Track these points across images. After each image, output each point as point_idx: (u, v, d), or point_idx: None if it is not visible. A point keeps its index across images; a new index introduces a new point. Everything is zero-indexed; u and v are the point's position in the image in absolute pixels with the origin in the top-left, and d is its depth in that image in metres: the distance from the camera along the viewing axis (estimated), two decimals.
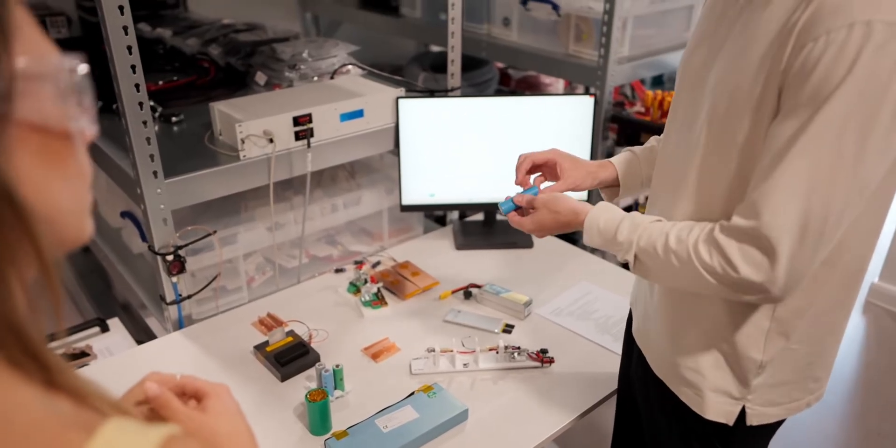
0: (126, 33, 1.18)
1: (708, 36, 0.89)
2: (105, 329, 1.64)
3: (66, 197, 0.39)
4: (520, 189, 1.14)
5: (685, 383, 0.97)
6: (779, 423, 0.98)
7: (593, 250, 2.25)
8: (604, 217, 0.94)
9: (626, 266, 0.93)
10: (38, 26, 0.38)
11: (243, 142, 1.42)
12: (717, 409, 0.94)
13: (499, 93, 2.89)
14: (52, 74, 0.37)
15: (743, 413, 0.94)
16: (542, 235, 1.07)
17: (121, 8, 1.16)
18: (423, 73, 2.65)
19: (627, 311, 1.48)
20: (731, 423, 0.94)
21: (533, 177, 1.16)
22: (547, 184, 1.15)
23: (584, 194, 1.59)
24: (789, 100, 0.74)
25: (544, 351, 1.33)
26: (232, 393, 0.64)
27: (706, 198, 0.87)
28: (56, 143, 0.38)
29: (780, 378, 0.92)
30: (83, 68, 0.38)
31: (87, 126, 0.39)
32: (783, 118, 0.75)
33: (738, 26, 0.82)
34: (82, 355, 1.50)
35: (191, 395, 0.63)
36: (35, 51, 0.37)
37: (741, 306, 0.89)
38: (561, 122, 1.66)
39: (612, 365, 1.29)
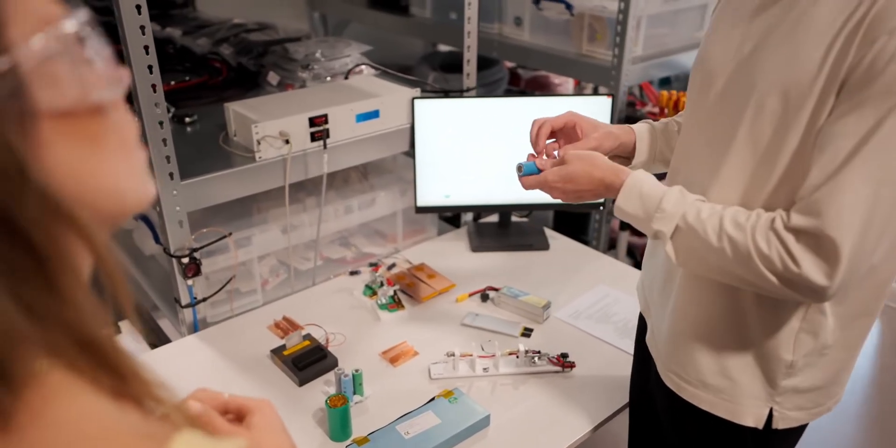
0: (143, 33, 1.17)
1: (739, 31, 0.86)
2: (117, 331, 1.63)
3: (114, 171, 0.36)
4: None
5: (707, 388, 0.95)
6: (804, 428, 0.96)
7: (608, 249, 2.24)
8: (648, 181, 0.89)
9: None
10: None
11: (259, 143, 1.40)
12: (748, 412, 0.93)
13: (508, 92, 2.87)
14: (63, 47, 0.33)
15: (770, 417, 0.92)
16: (563, 195, 0.96)
17: (138, 7, 1.15)
18: (432, 73, 2.63)
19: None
20: (760, 426, 0.93)
21: (548, 141, 1.08)
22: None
23: None
24: (855, 96, 0.72)
25: (565, 355, 1.32)
26: (275, 409, 0.63)
27: (742, 195, 0.85)
28: (88, 121, 0.34)
29: (811, 383, 0.91)
30: (88, 22, 0.34)
31: (115, 88, 0.35)
32: (847, 115, 0.73)
33: (787, 23, 0.79)
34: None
35: (234, 412, 0.62)
36: (38, 22, 0.32)
37: (771, 305, 0.87)
38: None
39: None
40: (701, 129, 0.92)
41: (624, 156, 1.10)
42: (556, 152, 1.04)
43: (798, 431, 0.97)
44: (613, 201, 0.92)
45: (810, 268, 0.75)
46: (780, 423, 0.92)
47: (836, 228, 0.73)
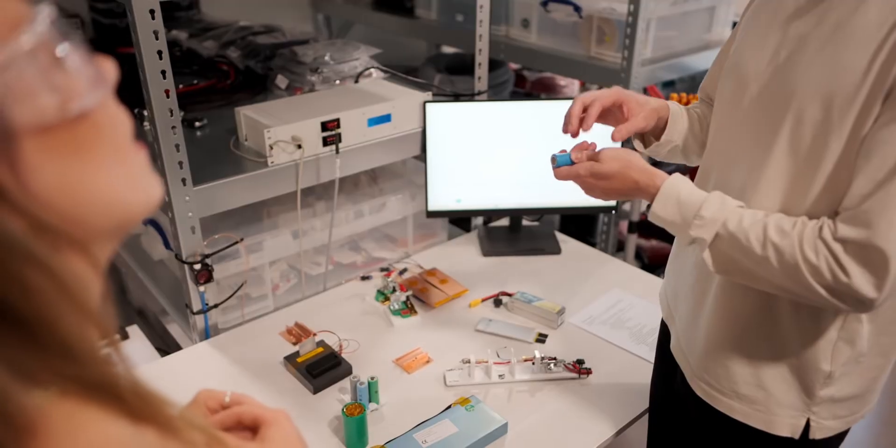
0: (157, 38, 1.16)
1: (774, 38, 0.85)
2: (124, 336, 1.61)
3: (111, 179, 0.33)
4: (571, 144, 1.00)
5: (741, 399, 0.94)
6: (841, 437, 0.95)
7: (616, 251, 2.23)
8: (686, 187, 0.87)
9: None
10: None
11: (272, 148, 1.39)
12: (784, 422, 0.92)
13: (514, 95, 2.86)
14: (30, 56, 0.28)
15: (807, 426, 0.91)
16: (593, 190, 0.94)
17: (152, 12, 1.14)
18: (438, 75, 2.62)
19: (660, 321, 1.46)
20: (796, 436, 0.91)
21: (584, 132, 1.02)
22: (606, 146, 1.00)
23: None
24: None
25: (581, 361, 1.31)
26: (291, 419, 0.61)
27: (784, 201, 0.83)
28: (73, 131, 0.30)
29: (848, 392, 0.90)
30: (54, 18, 0.29)
31: (99, 89, 0.31)
32: (894, 122, 0.72)
33: (825, 30, 0.78)
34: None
35: (249, 423, 0.60)
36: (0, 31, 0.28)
37: (809, 315, 0.86)
38: None
39: (651, 376, 1.26)
40: (735, 134, 0.91)
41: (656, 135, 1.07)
42: (588, 141, 1.00)
43: (835, 440, 0.95)
44: (648, 206, 0.91)
45: (859, 279, 0.74)
46: (817, 433, 0.91)
47: (888, 240, 0.72)
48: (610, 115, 1.05)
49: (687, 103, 2.06)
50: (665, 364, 1.14)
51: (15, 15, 0.29)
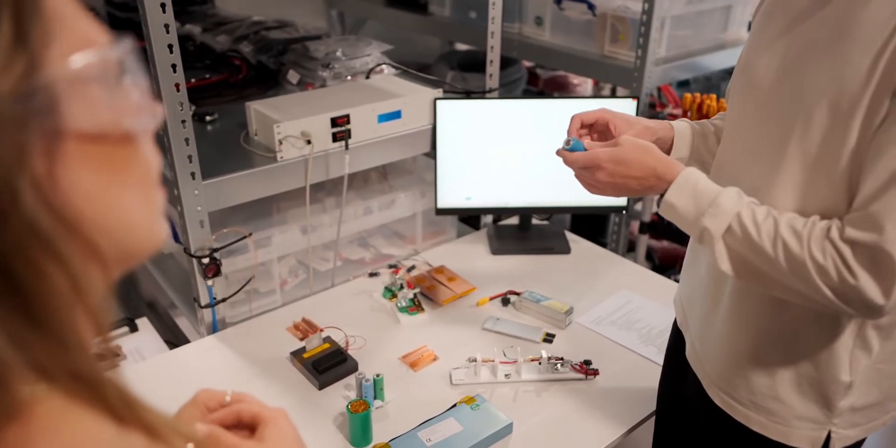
0: (167, 31, 1.16)
1: (783, 41, 0.84)
2: (134, 329, 1.62)
3: (131, 204, 0.34)
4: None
5: (759, 410, 0.92)
6: (859, 444, 0.94)
7: (627, 252, 2.21)
8: (703, 178, 0.85)
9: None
10: (78, 7, 0.33)
11: (281, 143, 1.39)
12: (802, 435, 0.90)
13: (526, 93, 2.84)
14: (102, 71, 0.32)
15: (827, 437, 0.89)
16: (609, 178, 0.89)
17: (163, 6, 1.14)
18: (450, 72, 2.62)
19: (670, 321, 1.44)
20: None
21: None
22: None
23: None
24: None
25: (588, 362, 1.30)
26: (290, 418, 0.61)
27: (799, 203, 0.82)
28: (116, 148, 0.33)
29: (867, 400, 0.88)
30: (132, 50, 0.33)
31: (148, 120, 0.34)
32: None
33: (829, 33, 0.77)
34: (112, 356, 1.48)
35: (248, 421, 0.60)
36: (80, 43, 0.32)
37: (828, 324, 0.84)
38: None
39: (658, 378, 1.25)
40: (747, 136, 0.90)
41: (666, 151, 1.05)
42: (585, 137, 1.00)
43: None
44: (659, 204, 0.88)
45: (867, 283, 0.72)
46: (836, 444, 0.90)
47: None
48: (599, 133, 1.04)
49: (700, 103, 2.05)
50: (675, 368, 1.12)
51: (86, 36, 0.33)
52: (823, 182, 0.79)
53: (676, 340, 1.15)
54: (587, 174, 0.93)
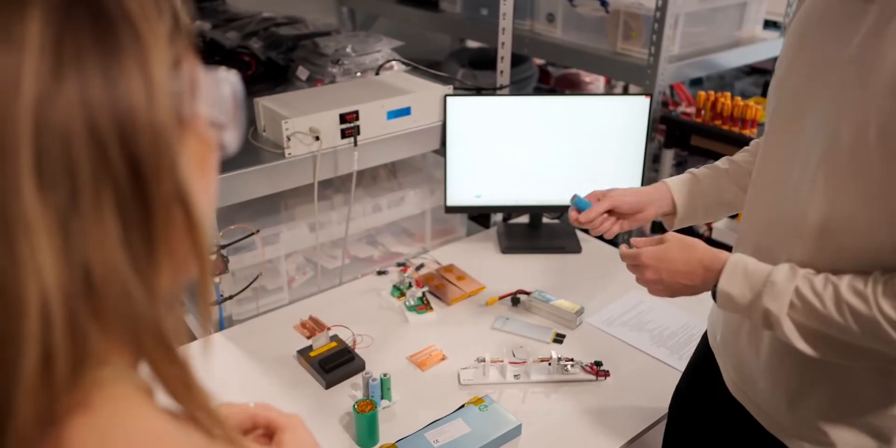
0: None
1: (820, 61, 0.78)
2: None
3: (206, 207, 0.39)
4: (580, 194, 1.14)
5: (812, 441, 0.88)
6: None
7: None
8: (752, 260, 0.82)
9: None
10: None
11: (289, 139, 1.38)
12: None
13: (538, 90, 2.82)
14: (217, 83, 0.39)
15: None
16: (655, 274, 0.90)
17: None
18: (461, 69, 2.60)
19: (682, 322, 1.42)
20: None
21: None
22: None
23: None
24: None
25: (598, 363, 1.28)
26: (305, 425, 0.62)
27: (843, 245, 0.77)
28: (208, 152, 0.40)
29: None
30: (238, 81, 0.40)
31: (232, 139, 0.41)
32: None
33: (854, 51, 0.72)
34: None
35: (263, 427, 0.61)
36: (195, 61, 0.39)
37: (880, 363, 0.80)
38: (613, 123, 1.59)
39: (670, 380, 1.23)
40: (788, 155, 0.84)
41: (671, 212, 1.13)
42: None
43: None
44: (715, 286, 0.84)
45: None
46: None
47: None
48: (623, 216, 1.15)
49: (714, 102, 2.02)
50: (698, 374, 1.10)
51: (177, 54, 0.38)
52: (862, 227, 0.74)
53: (703, 348, 1.11)
54: (637, 274, 0.94)
